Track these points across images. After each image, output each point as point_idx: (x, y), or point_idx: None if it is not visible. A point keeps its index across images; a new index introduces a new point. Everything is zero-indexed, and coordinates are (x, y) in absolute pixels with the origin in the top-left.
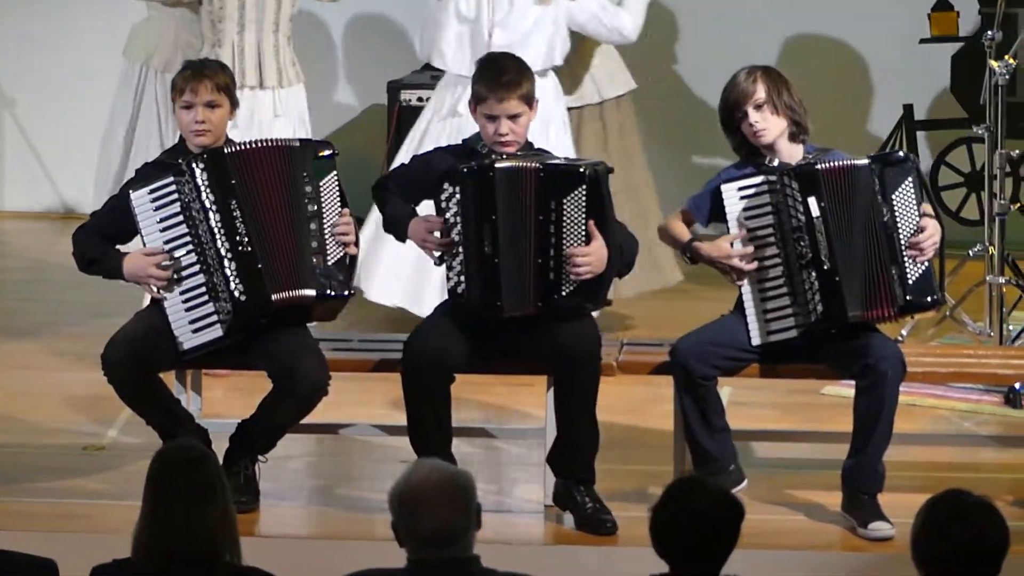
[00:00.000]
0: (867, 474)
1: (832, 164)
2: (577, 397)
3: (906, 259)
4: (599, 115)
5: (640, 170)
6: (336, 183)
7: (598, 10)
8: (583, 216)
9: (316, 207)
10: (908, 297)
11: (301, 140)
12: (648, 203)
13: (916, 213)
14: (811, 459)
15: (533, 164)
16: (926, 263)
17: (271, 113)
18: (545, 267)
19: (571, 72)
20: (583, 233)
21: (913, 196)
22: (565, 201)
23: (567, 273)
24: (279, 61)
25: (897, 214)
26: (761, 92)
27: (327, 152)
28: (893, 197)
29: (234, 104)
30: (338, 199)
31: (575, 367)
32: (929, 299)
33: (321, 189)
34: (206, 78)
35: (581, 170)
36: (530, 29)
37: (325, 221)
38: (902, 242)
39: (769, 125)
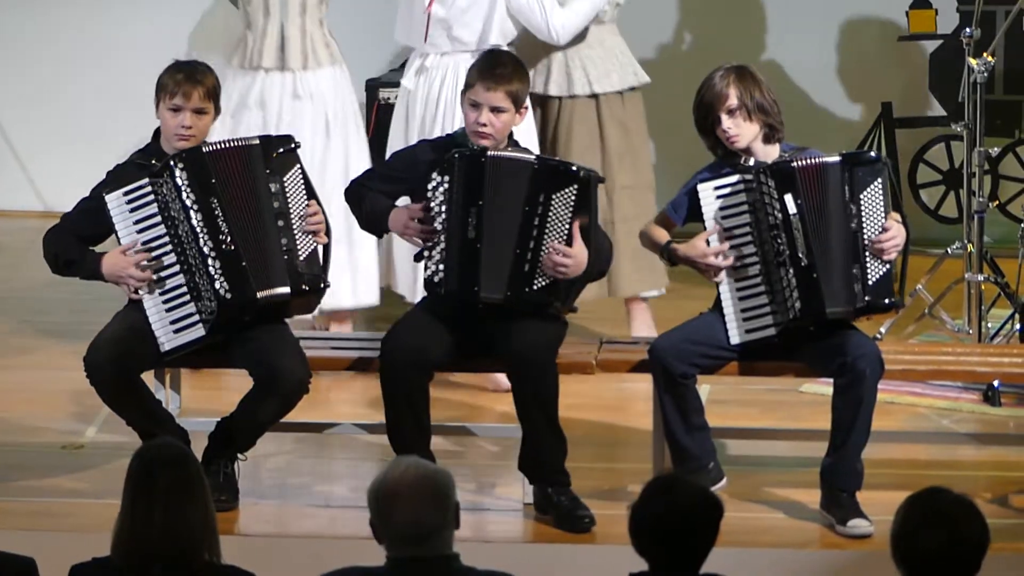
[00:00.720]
0: (846, 472)
1: (807, 162)
2: (532, 402)
3: (867, 259)
4: (594, 108)
5: (644, 171)
6: (300, 176)
7: (536, 1)
8: (569, 215)
9: (281, 203)
10: (867, 298)
11: (260, 137)
12: (648, 205)
13: (882, 214)
14: (790, 457)
15: (528, 156)
16: (887, 265)
17: (291, 95)
18: (522, 258)
19: (564, 61)
20: (566, 232)
21: (881, 197)
22: (554, 197)
23: (542, 268)
24: (304, 44)
25: (864, 214)
26: (733, 98)
27: (288, 146)
28: (861, 197)
29: (218, 110)
30: (304, 192)
31: (528, 372)
32: (887, 301)
33: (286, 184)
34: (199, 84)
35: (575, 170)
36: (467, 5)
37: (292, 216)
38: (865, 242)
39: (742, 131)
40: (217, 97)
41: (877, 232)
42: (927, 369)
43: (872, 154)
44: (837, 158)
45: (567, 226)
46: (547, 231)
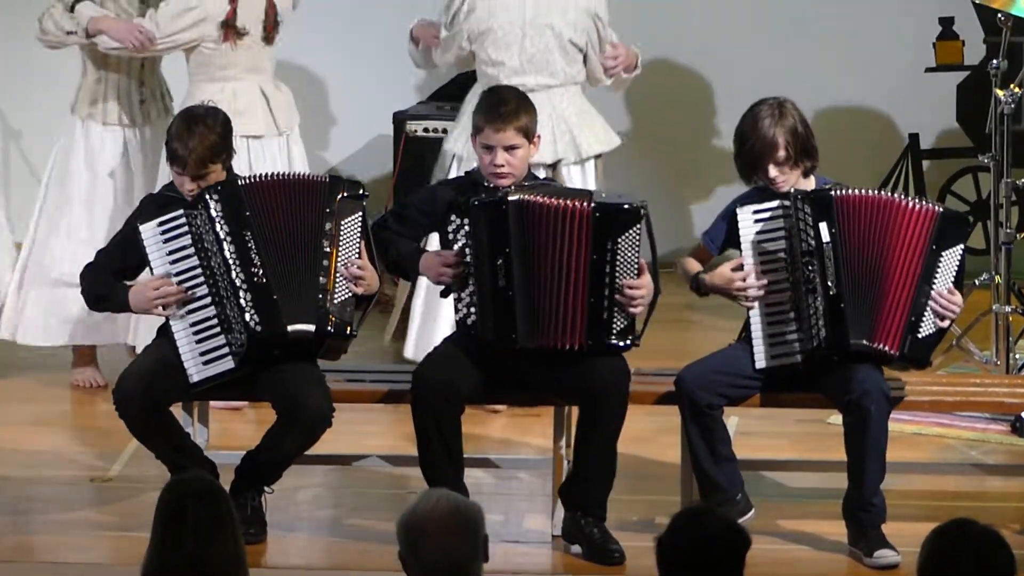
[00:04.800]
0: (864, 508)
1: (848, 193)
2: (601, 432)
3: (927, 313)
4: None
5: None
6: (359, 224)
7: None
8: (637, 254)
9: (329, 244)
10: (912, 351)
11: (331, 176)
12: None
13: (952, 276)
14: (818, 488)
15: (583, 203)
16: (940, 328)
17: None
18: (598, 306)
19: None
20: (635, 271)
21: (958, 260)
22: (620, 240)
23: (620, 311)
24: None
25: (939, 270)
26: (782, 149)
27: (355, 192)
28: (943, 254)
29: (229, 155)
30: (358, 240)
31: (604, 402)
32: (922, 358)
33: (342, 227)
34: (190, 154)
35: (638, 208)
36: None
37: (340, 259)
38: (928, 298)
39: (788, 177)
40: (219, 151)
41: (943, 291)
42: (955, 400)
43: (965, 215)
44: (939, 207)
45: (636, 264)
46: (618, 275)
